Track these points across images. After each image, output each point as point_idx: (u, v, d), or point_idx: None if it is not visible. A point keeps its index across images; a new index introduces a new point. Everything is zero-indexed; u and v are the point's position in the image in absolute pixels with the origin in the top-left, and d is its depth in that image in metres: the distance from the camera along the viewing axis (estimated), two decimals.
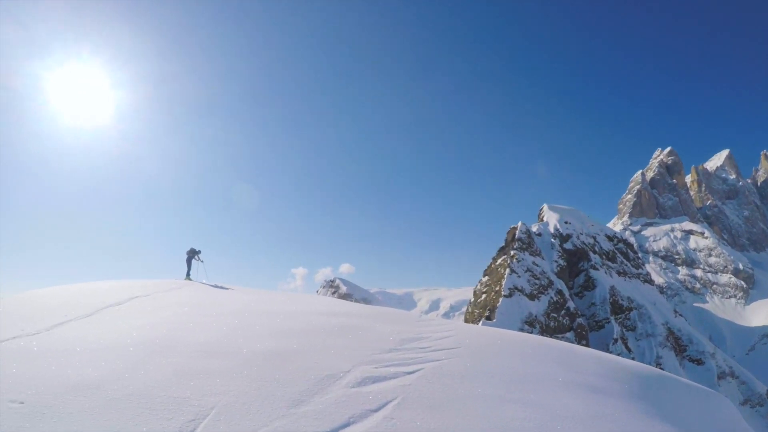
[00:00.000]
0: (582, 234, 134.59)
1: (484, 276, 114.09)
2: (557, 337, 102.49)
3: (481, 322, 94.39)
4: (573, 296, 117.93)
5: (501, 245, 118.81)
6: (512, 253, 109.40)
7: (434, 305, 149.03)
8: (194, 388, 6.81)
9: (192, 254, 22.42)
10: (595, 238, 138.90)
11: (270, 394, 6.76)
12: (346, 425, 6.20)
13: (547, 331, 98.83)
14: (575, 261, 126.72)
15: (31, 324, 10.45)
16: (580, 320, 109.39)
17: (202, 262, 22.67)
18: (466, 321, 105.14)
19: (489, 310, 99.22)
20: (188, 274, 22.20)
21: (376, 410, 6.57)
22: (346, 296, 56.63)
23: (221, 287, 18.88)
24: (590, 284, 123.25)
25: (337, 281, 65.56)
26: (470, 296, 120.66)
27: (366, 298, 55.77)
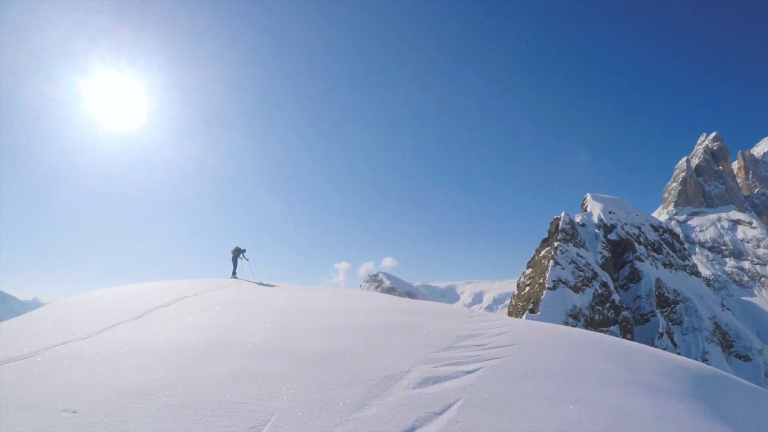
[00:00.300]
0: (627, 224, 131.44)
1: (527, 268, 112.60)
2: (602, 331, 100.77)
3: (524, 315, 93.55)
4: (618, 289, 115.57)
5: (544, 236, 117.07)
6: (556, 244, 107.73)
7: (477, 298, 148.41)
8: (252, 392, 6.56)
9: (237, 253, 22.52)
10: (640, 228, 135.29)
11: (330, 398, 6.46)
12: (412, 430, 5.91)
13: (591, 324, 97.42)
14: (620, 252, 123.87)
15: (80, 328, 10.46)
16: (625, 313, 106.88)
17: (247, 260, 22.71)
18: (510, 314, 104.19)
19: (533, 302, 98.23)
20: (234, 273, 22.21)
21: (441, 413, 6.28)
22: (389, 290, 56.46)
23: (267, 284, 18.82)
24: (635, 276, 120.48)
25: (381, 275, 65.38)
26: (513, 289, 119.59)
27: (410, 292, 55.40)
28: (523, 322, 12.98)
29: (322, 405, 6.24)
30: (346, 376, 7.16)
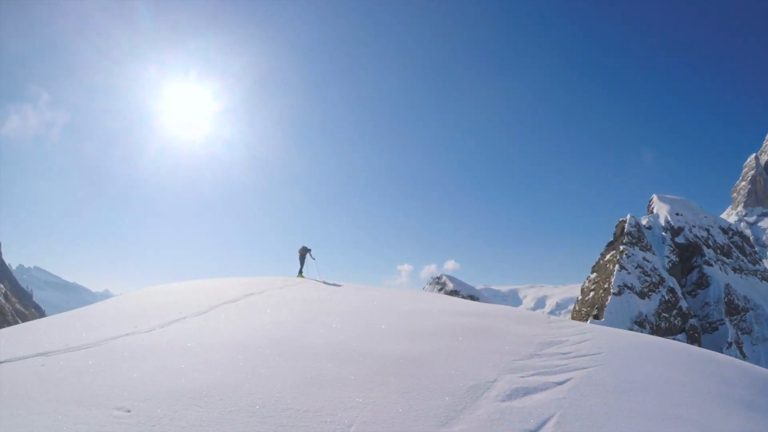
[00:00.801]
0: (695, 226, 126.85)
1: (592, 272, 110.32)
2: (667, 338, 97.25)
3: (589, 321, 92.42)
4: (685, 295, 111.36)
5: (609, 240, 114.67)
6: (621, 248, 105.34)
7: (540, 303, 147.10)
8: (326, 399, 5.92)
9: (304, 252, 22.65)
10: (708, 230, 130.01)
11: (413, 408, 5.81)
12: None
13: (657, 332, 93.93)
14: (688, 256, 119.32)
15: (144, 321, 10.30)
16: (692, 321, 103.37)
17: (313, 259, 22.68)
18: (573, 320, 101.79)
19: (597, 308, 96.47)
20: (300, 271, 22.24)
21: (536, 430, 5.66)
22: (452, 293, 57.19)
23: (334, 284, 18.62)
24: (704, 282, 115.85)
25: (444, 278, 66.07)
26: (577, 294, 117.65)
27: (473, 295, 55.95)
28: (605, 329, 12.47)
29: (405, 416, 5.63)
30: (428, 385, 6.53)
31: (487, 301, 61.47)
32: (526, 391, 6.64)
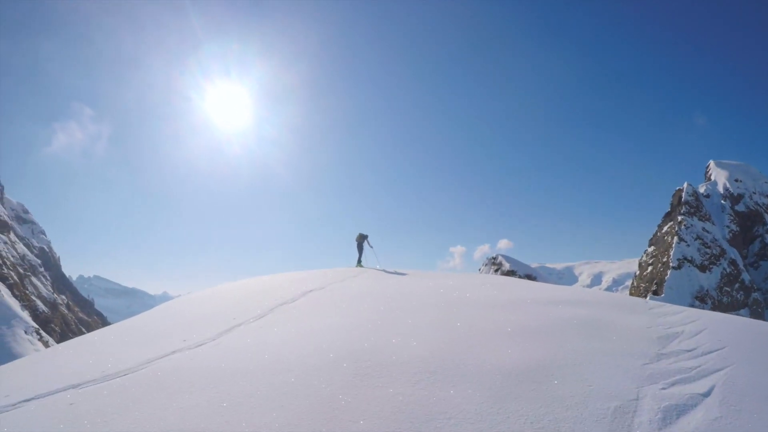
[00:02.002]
0: (755, 193, 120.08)
1: (649, 246, 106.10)
2: (731, 314, 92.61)
3: (648, 297, 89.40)
4: (747, 267, 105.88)
5: (666, 210, 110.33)
6: (679, 219, 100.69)
7: (596, 279, 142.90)
8: None
9: (362, 239, 21.13)
10: None
11: None
12: None
13: (719, 307, 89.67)
14: (749, 225, 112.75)
15: (196, 331, 9.14)
16: (755, 295, 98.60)
17: (371, 247, 21.25)
18: (631, 296, 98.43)
19: (656, 283, 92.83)
20: (359, 261, 20.90)
21: None
22: (509, 273, 55.83)
23: (397, 273, 17.12)
24: (767, 252, 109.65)
25: (500, 258, 64.42)
26: (634, 269, 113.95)
27: (530, 274, 54.33)
28: (709, 314, 10.94)
29: None
30: (562, 406, 5.27)
31: (543, 279, 59.49)
32: (678, 410, 5.59)
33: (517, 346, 7.05)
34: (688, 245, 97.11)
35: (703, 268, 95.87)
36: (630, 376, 6.24)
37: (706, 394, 6.05)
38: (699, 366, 6.91)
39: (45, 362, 8.67)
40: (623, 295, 12.94)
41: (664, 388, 6.04)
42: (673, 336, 8.38)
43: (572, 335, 7.81)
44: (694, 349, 7.73)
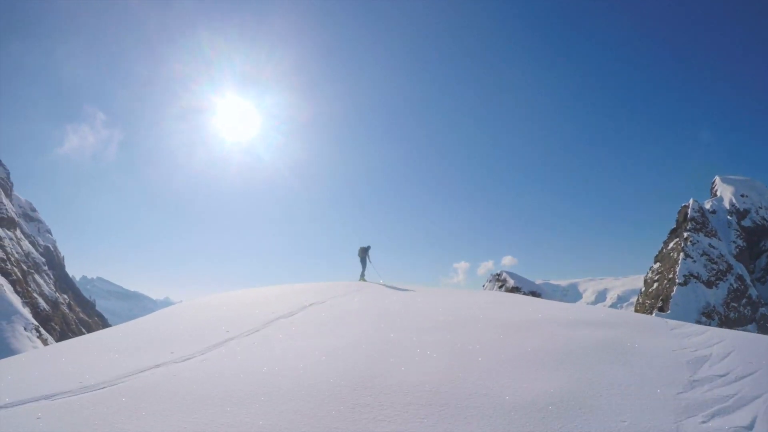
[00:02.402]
0: (761, 208, 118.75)
1: (655, 262, 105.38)
2: (737, 330, 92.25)
3: (654, 313, 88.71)
4: (754, 282, 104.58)
5: (672, 227, 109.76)
6: (685, 235, 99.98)
7: (600, 296, 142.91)
8: None
9: (364, 252, 20.31)
10: None
11: None
12: None
13: (726, 323, 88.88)
14: (755, 240, 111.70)
15: (185, 343, 8.56)
16: (763, 310, 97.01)
17: (370, 262, 20.35)
18: (637, 312, 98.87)
19: (662, 300, 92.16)
20: (363, 275, 20.03)
21: None
22: (514, 290, 55.65)
23: (402, 288, 16.17)
24: None
25: (504, 274, 64.10)
26: (639, 285, 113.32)
27: (534, 291, 54.06)
28: (733, 333, 10.09)
29: None
30: None
31: (548, 296, 59.07)
32: None
33: (539, 375, 6.29)
34: (695, 261, 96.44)
35: (709, 284, 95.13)
36: (666, 407, 5.71)
37: (750, 427, 5.65)
38: (735, 393, 6.46)
39: (24, 366, 8.16)
40: (643, 315, 11.96)
41: (704, 422, 5.57)
42: (702, 359, 7.79)
43: (596, 361, 7.07)
44: (727, 374, 7.21)
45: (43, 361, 8.50)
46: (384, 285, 17.30)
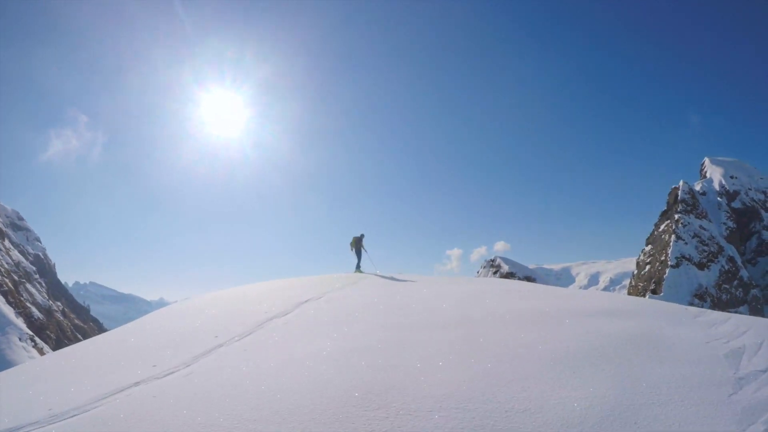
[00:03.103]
0: (751, 189, 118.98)
1: (646, 245, 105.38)
2: (729, 312, 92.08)
3: (647, 296, 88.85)
4: (745, 263, 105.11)
5: (662, 209, 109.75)
6: (677, 217, 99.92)
7: (593, 279, 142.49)
8: None
9: (359, 242, 19.45)
10: (766, 193, 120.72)
11: None
12: None
13: (718, 305, 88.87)
14: (745, 222, 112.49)
15: (169, 354, 7.68)
16: (754, 292, 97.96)
17: (366, 251, 19.59)
18: (630, 295, 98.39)
19: (654, 282, 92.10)
20: (358, 266, 19.22)
21: None
22: (508, 275, 55.46)
23: (402, 279, 15.20)
24: (764, 249, 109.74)
25: (498, 260, 63.95)
26: (631, 268, 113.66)
27: (529, 276, 53.73)
28: (754, 320, 9.11)
29: None
30: None
31: (542, 281, 59.00)
32: None
33: (577, 380, 5.30)
34: (686, 243, 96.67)
35: (701, 266, 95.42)
36: (722, 413, 4.86)
37: None
38: None
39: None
40: (663, 302, 10.90)
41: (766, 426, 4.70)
42: (738, 353, 6.93)
43: (631, 358, 6.14)
44: (766, 369, 6.23)
45: (11, 384, 7.59)
46: (381, 276, 16.67)
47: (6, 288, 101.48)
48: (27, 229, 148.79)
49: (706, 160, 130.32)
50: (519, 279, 52.00)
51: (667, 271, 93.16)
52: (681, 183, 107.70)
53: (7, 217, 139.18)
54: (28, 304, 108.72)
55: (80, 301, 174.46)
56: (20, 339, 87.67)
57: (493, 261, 61.26)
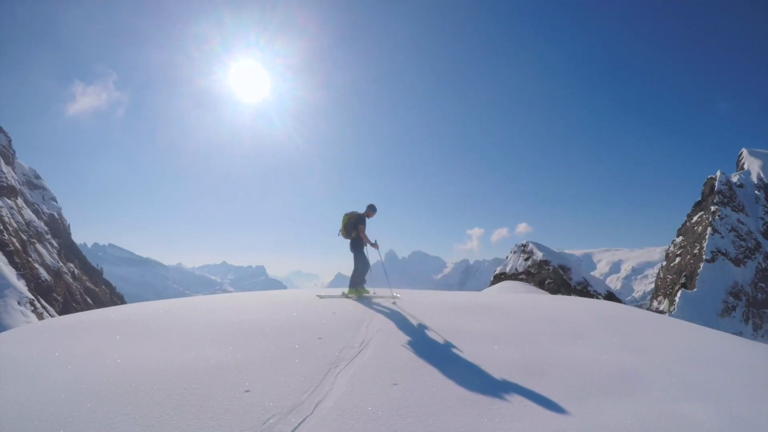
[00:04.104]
0: None
1: (677, 236, 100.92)
2: (764, 312, 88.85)
3: (678, 291, 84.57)
4: None
5: (695, 199, 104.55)
6: (713, 209, 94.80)
7: (615, 267, 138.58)
8: None
9: (358, 225, 10.81)
10: None
11: None
12: None
13: (753, 304, 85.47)
14: None
15: None
16: None
17: (375, 245, 10.74)
18: (657, 287, 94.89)
19: (685, 276, 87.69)
20: (358, 279, 11.09)
21: None
22: (542, 263, 51.72)
23: (439, 307, 9.68)
24: None
25: (530, 245, 59.97)
26: (654, 258, 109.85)
27: (563, 265, 49.66)
28: None
29: None
30: None
31: (576, 269, 54.65)
32: None
33: None
34: (723, 237, 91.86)
35: (737, 262, 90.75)
36: None
37: None
38: None
39: None
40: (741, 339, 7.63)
41: None
42: None
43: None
44: None
45: None
46: (398, 304, 9.98)
47: (12, 248, 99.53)
48: (43, 188, 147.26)
49: (744, 151, 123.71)
50: (554, 267, 48.00)
51: (702, 265, 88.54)
52: (718, 173, 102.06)
53: (24, 174, 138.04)
54: (37, 265, 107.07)
55: (97, 262, 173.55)
56: (19, 302, 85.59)
57: (524, 246, 56.86)
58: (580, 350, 6.92)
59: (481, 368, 5.93)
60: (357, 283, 11.01)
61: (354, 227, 10.76)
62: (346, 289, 11.28)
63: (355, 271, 10.99)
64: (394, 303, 10.05)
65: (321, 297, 10.73)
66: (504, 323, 8.60)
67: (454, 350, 6.72)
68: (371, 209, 10.95)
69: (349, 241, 10.95)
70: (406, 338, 7.19)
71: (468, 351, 6.67)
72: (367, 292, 11.14)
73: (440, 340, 7.21)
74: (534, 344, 7.17)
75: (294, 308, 9.15)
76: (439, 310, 9.39)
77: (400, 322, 8.27)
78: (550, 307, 10.58)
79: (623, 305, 12.52)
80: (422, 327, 8.01)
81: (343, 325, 7.86)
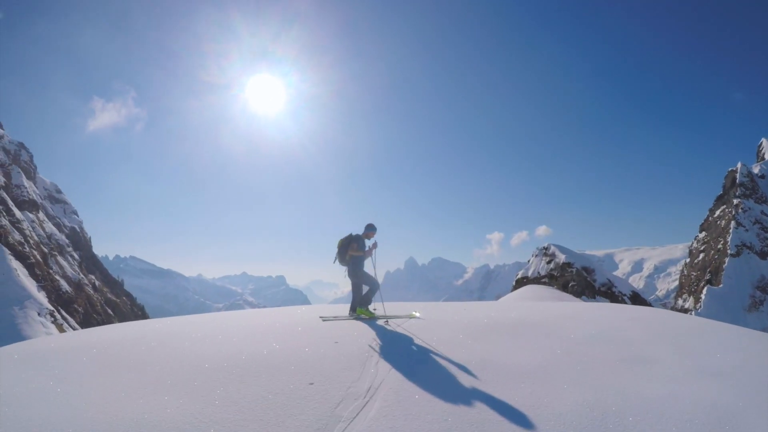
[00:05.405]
0: None
1: (700, 231, 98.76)
2: None
3: (704, 288, 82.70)
4: None
5: (717, 193, 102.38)
6: (735, 202, 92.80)
7: (637, 266, 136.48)
8: None
9: (353, 245, 10.06)
10: None
11: None
12: None
13: None
14: None
15: None
16: None
17: (373, 245, 10.20)
18: (682, 285, 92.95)
19: (710, 272, 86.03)
20: (359, 304, 10.31)
21: None
22: (565, 266, 50.60)
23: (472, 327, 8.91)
24: None
25: (552, 248, 59.10)
26: (677, 255, 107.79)
27: (587, 267, 48.33)
28: None
29: None
30: None
31: (599, 270, 53.45)
32: None
33: None
34: (747, 230, 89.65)
35: (763, 255, 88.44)
36: None
37: None
38: None
39: None
40: None
41: None
42: None
43: None
44: None
45: None
46: (415, 328, 9.02)
47: (33, 260, 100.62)
48: (65, 202, 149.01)
49: (764, 141, 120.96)
50: (577, 270, 46.99)
51: (726, 260, 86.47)
52: (739, 165, 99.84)
53: (46, 189, 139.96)
54: (58, 277, 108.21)
55: (118, 274, 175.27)
56: (39, 314, 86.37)
57: (546, 249, 55.78)
58: (658, 386, 5.58)
59: (539, 428, 4.44)
60: (367, 301, 10.33)
61: (346, 249, 10.08)
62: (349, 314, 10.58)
63: (357, 293, 10.37)
64: (412, 315, 9.78)
65: (324, 319, 9.85)
66: (550, 348, 7.32)
67: (496, 395, 5.24)
68: (369, 229, 10.25)
69: (346, 267, 10.24)
70: (427, 381, 5.69)
71: (515, 396, 5.20)
72: (369, 313, 10.26)
73: (475, 382, 5.65)
74: (599, 380, 5.78)
75: (288, 335, 8.03)
76: (466, 333, 8.26)
77: (419, 355, 6.95)
78: (593, 320, 9.50)
79: (663, 310, 11.70)
80: (448, 361, 6.52)
81: (345, 360, 6.42)
